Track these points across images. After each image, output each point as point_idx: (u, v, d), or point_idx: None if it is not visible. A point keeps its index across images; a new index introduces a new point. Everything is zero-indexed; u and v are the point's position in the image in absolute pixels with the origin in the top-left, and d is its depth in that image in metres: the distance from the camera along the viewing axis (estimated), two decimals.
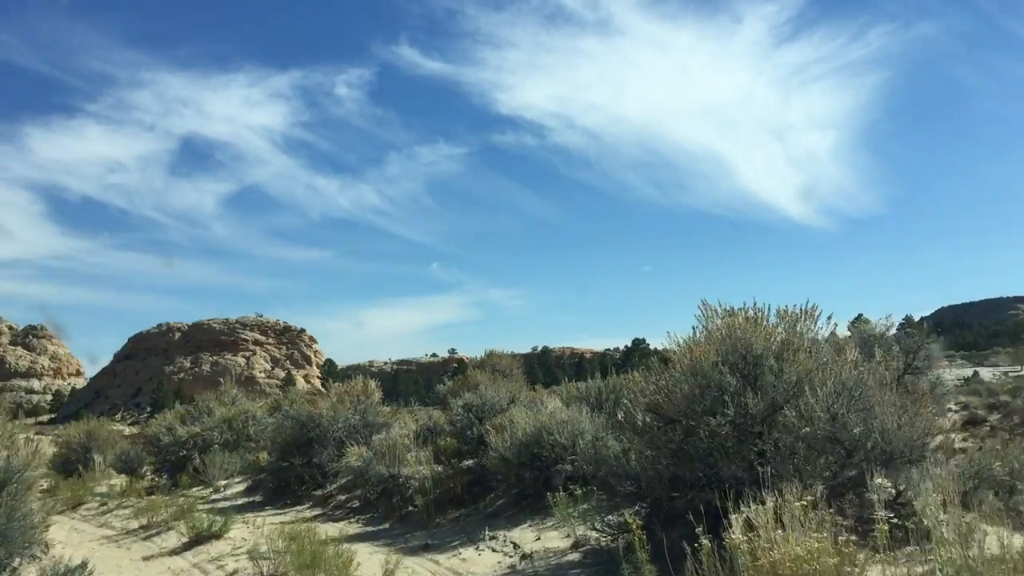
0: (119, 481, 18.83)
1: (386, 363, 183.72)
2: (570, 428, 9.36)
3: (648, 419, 7.20)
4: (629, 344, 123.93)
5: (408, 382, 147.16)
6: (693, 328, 7.51)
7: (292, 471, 13.29)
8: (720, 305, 7.58)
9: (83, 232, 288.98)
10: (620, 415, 10.40)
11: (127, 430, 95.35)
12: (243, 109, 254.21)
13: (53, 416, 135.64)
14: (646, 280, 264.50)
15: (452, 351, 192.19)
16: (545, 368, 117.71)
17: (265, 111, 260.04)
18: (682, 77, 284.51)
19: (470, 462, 11.08)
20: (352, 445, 12.35)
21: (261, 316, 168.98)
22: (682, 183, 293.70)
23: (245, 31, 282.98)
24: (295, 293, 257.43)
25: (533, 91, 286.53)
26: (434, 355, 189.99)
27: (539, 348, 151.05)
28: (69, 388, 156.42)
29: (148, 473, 18.52)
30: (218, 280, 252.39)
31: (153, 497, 14.12)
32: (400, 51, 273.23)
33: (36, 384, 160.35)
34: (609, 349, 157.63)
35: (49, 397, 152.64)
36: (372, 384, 14.19)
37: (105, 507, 14.67)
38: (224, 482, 15.87)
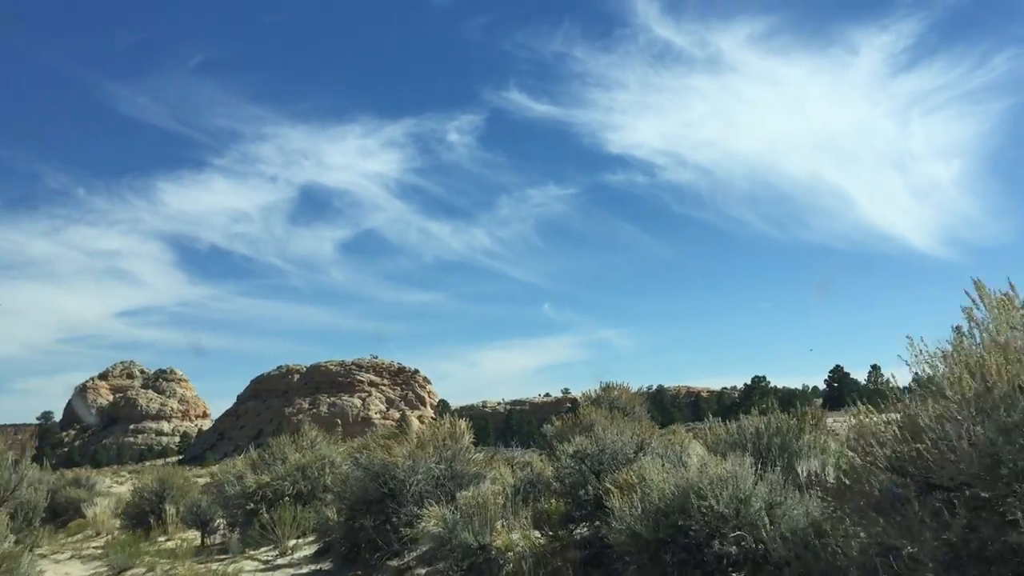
0: (187, 537, 16.52)
1: (499, 403, 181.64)
2: (731, 489, 6.24)
3: (895, 484, 4.08)
4: (748, 382, 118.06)
5: (521, 422, 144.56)
6: (959, 335, 4.34)
7: (363, 534, 10.57)
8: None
9: (210, 279, 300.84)
10: (806, 470, 7.18)
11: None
12: (359, 158, 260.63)
13: (181, 457, 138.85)
14: (763, 317, 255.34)
15: (565, 391, 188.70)
16: (660, 407, 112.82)
17: (380, 159, 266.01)
18: (796, 110, 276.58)
19: (584, 531, 8.08)
20: (433, 504, 9.51)
21: (376, 357, 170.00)
22: (798, 217, 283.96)
23: (360, 84, 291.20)
24: (409, 335, 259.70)
25: (643, 130, 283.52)
26: (547, 395, 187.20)
27: (653, 387, 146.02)
28: (196, 429, 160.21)
29: (222, 527, 16.18)
30: (335, 323, 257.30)
31: (197, 565, 11.59)
32: (509, 96, 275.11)
33: (165, 426, 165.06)
34: (726, 387, 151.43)
35: (177, 439, 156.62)
36: (462, 424, 11.32)
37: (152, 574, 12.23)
38: (294, 542, 13.29)
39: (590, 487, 7.91)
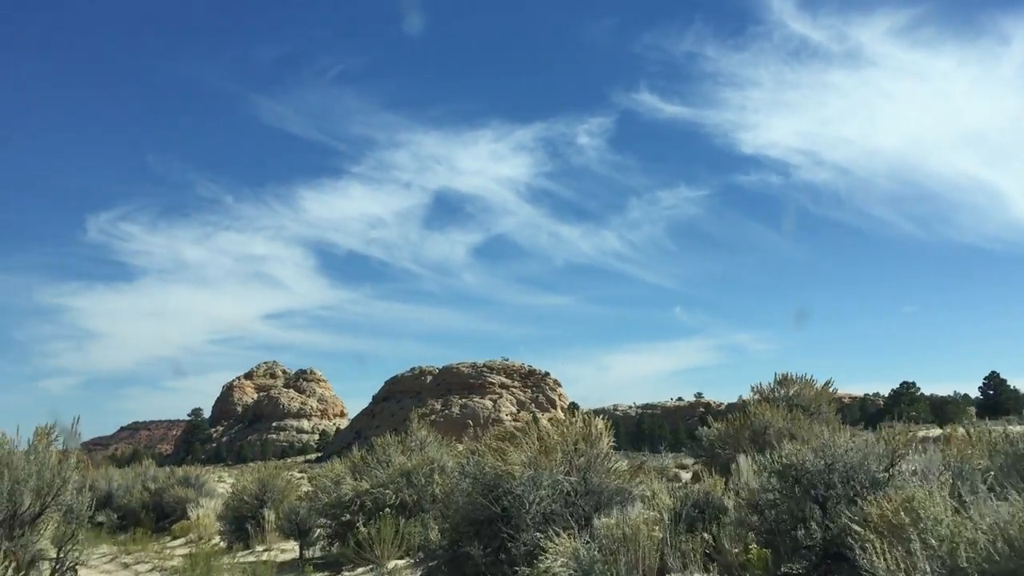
0: (286, 547, 14.41)
1: (630, 407, 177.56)
2: None
3: None
4: (896, 388, 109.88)
5: (653, 426, 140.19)
6: None
7: (471, 565, 8.00)
8: None
9: (348, 284, 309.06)
10: None
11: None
12: (490, 162, 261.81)
13: (319, 455, 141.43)
14: (908, 321, 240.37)
15: (698, 395, 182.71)
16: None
17: (510, 163, 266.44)
18: (942, 104, 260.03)
19: None
20: (560, 532, 6.81)
21: (507, 360, 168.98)
22: (945, 216, 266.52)
23: (492, 89, 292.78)
24: (539, 338, 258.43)
25: (777, 129, 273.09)
26: (679, 399, 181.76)
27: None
28: (334, 428, 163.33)
29: (322, 538, 13.97)
30: (466, 325, 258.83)
31: None
32: (640, 97, 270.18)
33: (305, 424, 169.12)
34: (869, 394, 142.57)
35: (316, 436, 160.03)
36: (599, 424, 8.58)
37: None
38: (395, 563, 10.87)
39: (813, 524, 4.99)
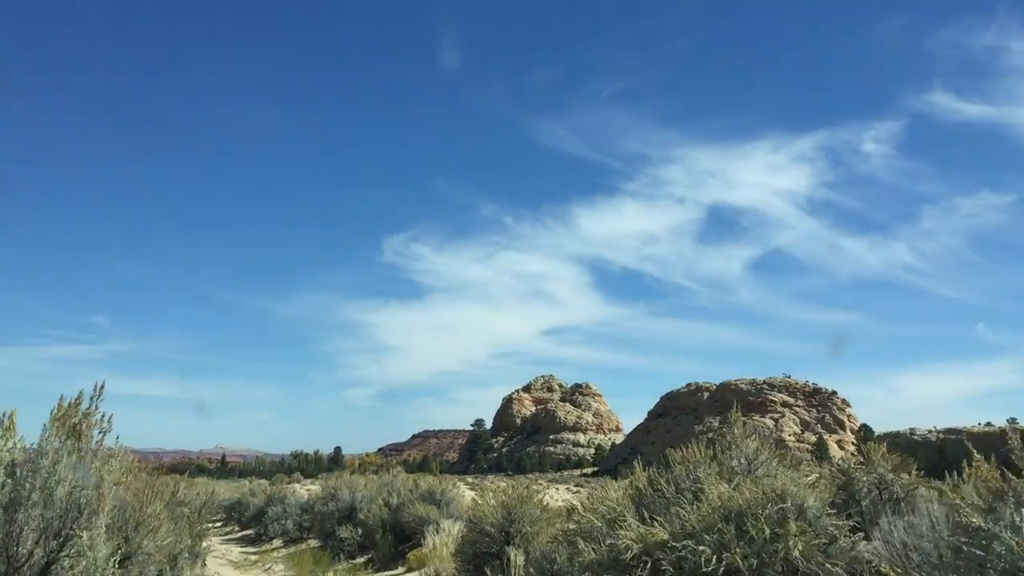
0: None
1: (930, 431, 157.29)
2: None
3: None
4: None
5: (958, 454, 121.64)
6: None
7: None
8: None
9: (622, 300, 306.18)
10: None
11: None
12: (767, 175, 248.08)
13: (595, 468, 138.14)
14: None
15: (1011, 420, 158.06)
16: None
17: (788, 175, 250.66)
18: None
19: None
20: None
21: (789, 377, 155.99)
22: None
23: (767, 100, 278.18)
24: (821, 356, 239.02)
25: None
26: (988, 424, 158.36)
27: None
28: (609, 443, 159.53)
29: None
30: (742, 342, 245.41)
31: None
32: (933, 98, 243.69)
33: (581, 437, 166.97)
34: None
35: (592, 451, 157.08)
36: None
37: None
38: None
39: None
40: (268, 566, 16.16)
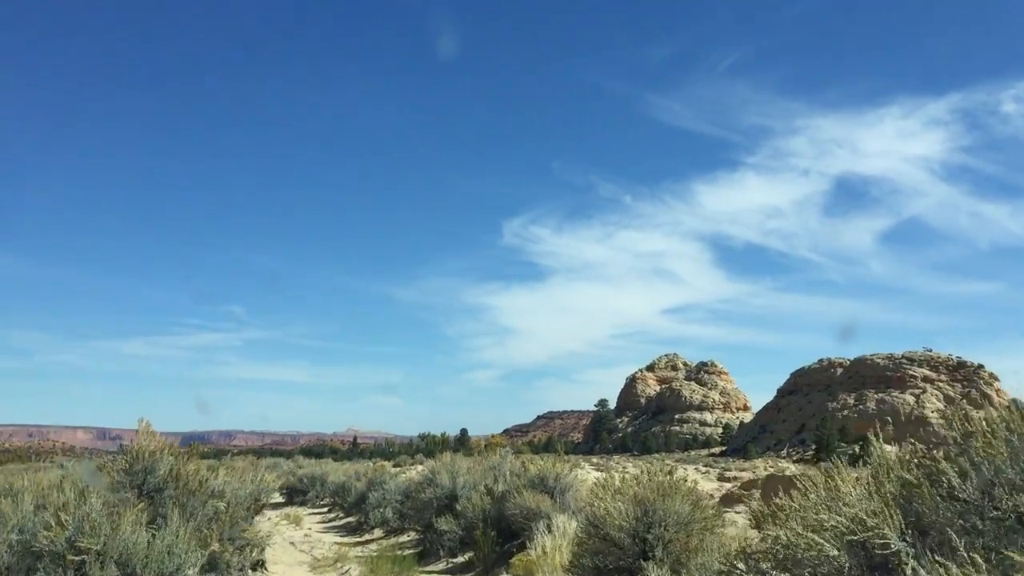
0: None
1: None
2: None
3: None
4: None
5: None
6: None
7: None
8: None
9: (746, 276, 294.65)
10: None
11: (791, 468, 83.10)
12: (897, 142, 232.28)
13: (723, 448, 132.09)
14: None
15: None
16: None
17: (921, 140, 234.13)
18: None
19: None
20: None
21: (930, 351, 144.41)
22: None
23: (895, 63, 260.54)
24: (964, 329, 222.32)
25: None
26: None
27: None
28: (737, 421, 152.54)
29: None
30: (875, 317, 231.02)
31: None
32: None
33: (708, 417, 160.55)
34: None
35: (720, 429, 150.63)
36: None
37: None
38: None
39: None
40: (346, 568, 13.09)
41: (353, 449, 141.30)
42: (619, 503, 7.25)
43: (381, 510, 19.70)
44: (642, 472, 7.67)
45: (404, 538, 18.38)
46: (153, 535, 7.41)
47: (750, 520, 6.04)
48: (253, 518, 11.98)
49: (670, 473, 7.58)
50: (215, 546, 8.51)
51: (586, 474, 20.07)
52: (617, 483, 7.61)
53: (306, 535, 20.10)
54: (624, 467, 61.10)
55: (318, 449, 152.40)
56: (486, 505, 13.53)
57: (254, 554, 10.05)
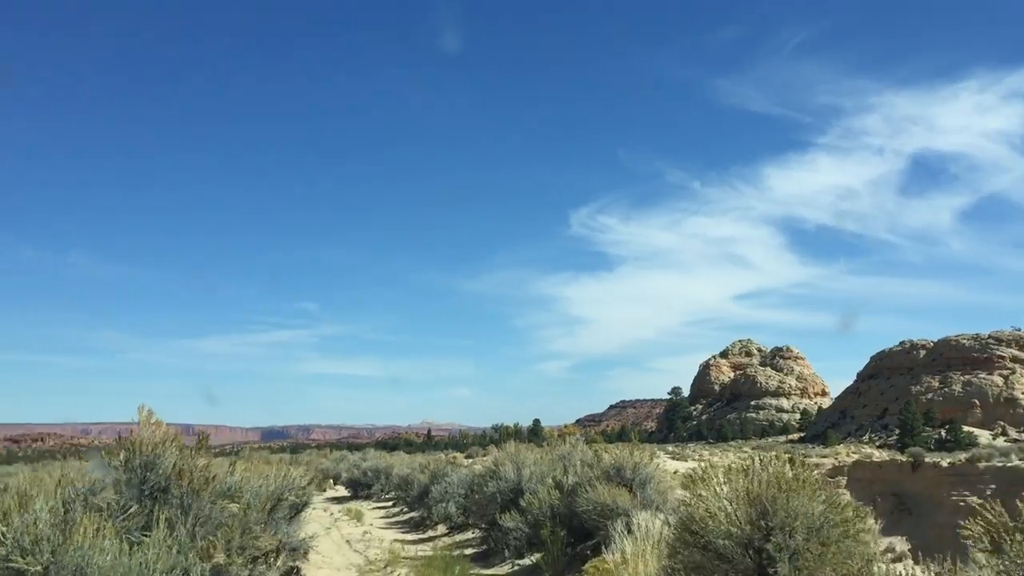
0: None
1: None
2: None
3: None
4: None
5: None
6: None
7: None
8: None
9: (820, 259, 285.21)
10: None
11: (876, 454, 79.01)
12: (975, 117, 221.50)
13: (802, 435, 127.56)
14: None
15: None
16: None
17: (1000, 114, 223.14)
18: None
19: None
20: None
21: (1018, 330, 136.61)
22: None
23: (971, 35, 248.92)
24: None
25: None
26: None
27: None
28: (815, 407, 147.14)
29: None
30: (957, 297, 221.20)
31: None
32: None
33: (784, 403, 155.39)
34: None
35: (797, 416, 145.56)
36: None
37: None
38: None
39: None
40: (396, 572, 11.47)
41: (427, 441, 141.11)
42: (725, 502, 5.33)
43: (444, 505, 18.10)
44: (752, 461, 5.72)
45: (467, 535, 16.73)
46: (131, 547, 5.83)
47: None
48: (293, 518, 10.44)
49: (790, 461, 5.61)
50: (220, 557, 6.91)
51: (664, 464, 18.14)
52: (720, 475, 5.68)
53: (365, 532, 18.62)
54: (701, 455, 58.40)
55: (392, 442, 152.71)
56: (554, 500, 11.72)
57: (279, 562, 8.43)
